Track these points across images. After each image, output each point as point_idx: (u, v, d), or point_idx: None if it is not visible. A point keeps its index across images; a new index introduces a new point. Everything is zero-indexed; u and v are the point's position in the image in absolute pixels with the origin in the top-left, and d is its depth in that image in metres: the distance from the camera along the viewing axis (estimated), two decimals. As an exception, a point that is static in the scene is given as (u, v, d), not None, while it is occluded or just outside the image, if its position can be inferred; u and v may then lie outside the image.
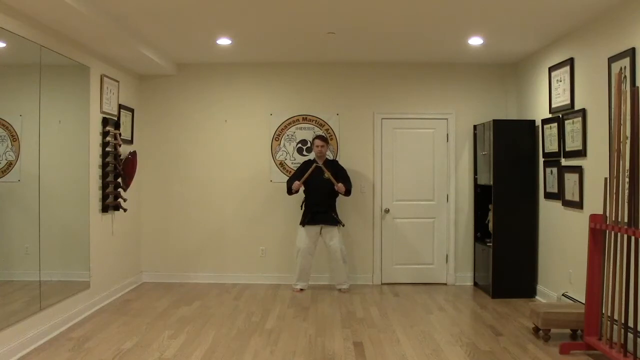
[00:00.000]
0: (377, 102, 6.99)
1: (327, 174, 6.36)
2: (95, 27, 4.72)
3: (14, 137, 4.30)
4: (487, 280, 6.38)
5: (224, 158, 7.02)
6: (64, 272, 5.17)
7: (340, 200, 6.71)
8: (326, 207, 6.41)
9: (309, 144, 6.93)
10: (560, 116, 5.51)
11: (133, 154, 6.44)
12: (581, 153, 5.09)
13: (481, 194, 6.84)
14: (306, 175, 6.36)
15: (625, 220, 3.83)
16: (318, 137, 6.55)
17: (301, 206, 6.54)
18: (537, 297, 6.12)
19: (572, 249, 5.24)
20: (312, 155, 6.72)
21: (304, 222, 6.43)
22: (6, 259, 4.30)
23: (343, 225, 6.48)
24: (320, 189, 6.40)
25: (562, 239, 5.54)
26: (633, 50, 4.19)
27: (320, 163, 6.42)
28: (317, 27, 5.33)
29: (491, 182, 6.23)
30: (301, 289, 6.50)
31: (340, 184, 6.37)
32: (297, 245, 6.49)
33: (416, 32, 5.50)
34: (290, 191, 6.45)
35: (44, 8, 4.15)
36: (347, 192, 6.43)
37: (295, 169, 6.75)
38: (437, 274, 7.01)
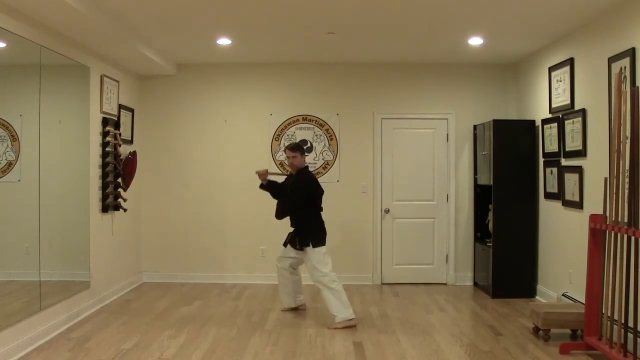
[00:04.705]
0: (377, 102, 6.99)
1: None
2: (95, 27, 4.72)
3: (14, 137, 4.31)
4: (487, 280, 6.38)
5: (224, 158, 7.02)
6: (64, 272, 5.17)
7: (340, 200, 6.72)
8: (294, 226, 5.38)
9: (309, 144, 6.93)
10: (560, 116, 5.51)
11: (133, 154, 6.44)
12: (581, 153, 5.09)
13: (481, 194, 6.83)
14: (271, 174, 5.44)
15: (625, 220, 3.83)
16: (289, 147, 5.42)
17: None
18: (537, 297, 6.12)
19: (572, 249, 5.24)
20: (312, 156, 6.70)
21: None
22: (6, 259, 4.30)
23: (313, 246, 5.13)
24: None
25: (562, 239, 5.54)
26: (633, 50, 4.19)
27: (293, 174, 5.45)
28: (317, 27, 5.33)
29: (491, 182, 6.23)
30: (286, 309, 5.57)
31: (262, 171, 5.34)
32: None
33: (416, 32, 5.50)
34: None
35: (44, 8, 4.15)
36: (275, 195, 5.39)
37: None
38: (437, 274, 7.00)
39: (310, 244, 5.14)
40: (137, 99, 6.89)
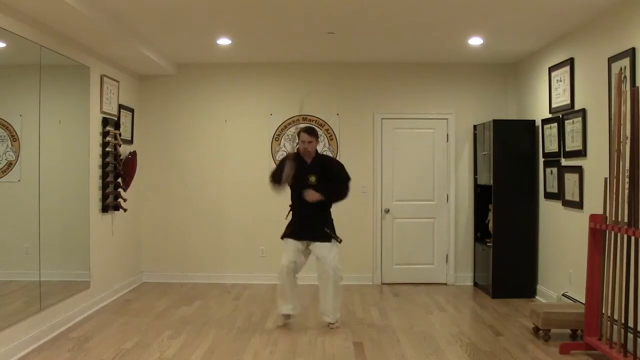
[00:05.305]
0: (377, 102, 6.99)
1: (314, 178, 4.95)
2: (95, 27, 4.72)
3: (14, 137, 4.31)
4: (487, 280, 6.38)
5: (224, 158, 7.03)
6: (64, 272, 5.17)
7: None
8: (315, 218, 4.96)
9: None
10: (560, 116, 5.51)
11: (133, 154, 6.44)
12: (581, 153, 5.09)
13: (481, 194, 6.83)
14: (289, 171, 4.86)
15: (625, 220, 3.83)
16: (305, 130, 5.02)
17: (287, 214, 5.16)
18: (537, 297, 6.12)
19: (572, 249, 5.24)
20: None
21: (285, 235, 5.05)
22: (6, 259, 4.30)
23: (340, 241, 5.01)
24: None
25: (562, 239, 5.54)
26: (633, 50, 4.19)
27: (308, 161, 5.01)
28: (317, 27, 5.33)
29: (491, 182, 6.23)
30: (285, 315, 5.06)
31: (310, 191, 4.89)
32: (280, 263, 5.04)
33: (416, 32, 5.50)
34: (276, 180, 4.97)
35: (44, 8, 4.15)
36: (330, 198, 4.97)
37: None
38: (437, 274, 7.00)
39: (337, 238, 4.99)
40: (137, 99, 6.89)
